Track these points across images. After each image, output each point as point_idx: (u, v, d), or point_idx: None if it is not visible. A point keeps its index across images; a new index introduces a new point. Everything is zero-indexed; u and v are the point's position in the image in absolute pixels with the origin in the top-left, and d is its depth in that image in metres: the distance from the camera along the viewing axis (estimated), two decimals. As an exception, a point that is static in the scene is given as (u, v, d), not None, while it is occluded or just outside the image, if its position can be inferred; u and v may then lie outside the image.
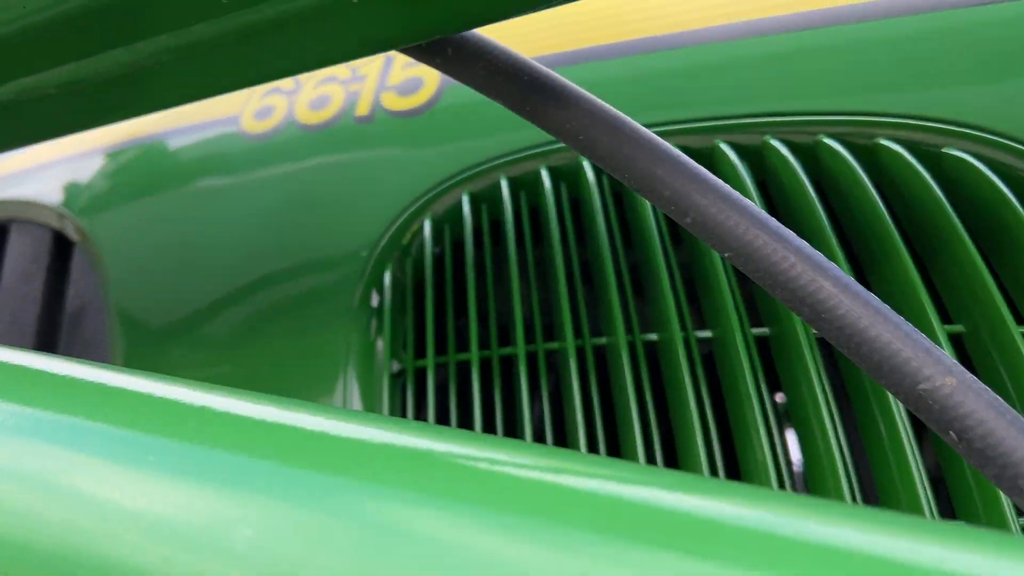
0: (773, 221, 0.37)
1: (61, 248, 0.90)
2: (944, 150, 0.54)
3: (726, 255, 0.38)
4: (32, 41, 0.39)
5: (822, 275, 0.36)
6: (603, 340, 0.61)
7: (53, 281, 0.89)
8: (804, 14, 0.60)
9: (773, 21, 0.60)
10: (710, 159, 0.60)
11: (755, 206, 0.38)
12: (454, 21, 0.38)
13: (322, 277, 0.69)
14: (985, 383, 0.36)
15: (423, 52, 0.44)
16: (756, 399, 0.53)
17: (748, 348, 0.55)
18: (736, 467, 0.55)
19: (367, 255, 0.68)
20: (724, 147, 0.60)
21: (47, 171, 0.92)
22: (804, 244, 0.37)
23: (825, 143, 0.58)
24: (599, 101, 0.41)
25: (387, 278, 0.67)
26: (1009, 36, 0.54)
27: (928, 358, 0.34)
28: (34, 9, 0.37)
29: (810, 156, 0.59)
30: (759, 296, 0.59)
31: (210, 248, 0.75)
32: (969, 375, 0.34)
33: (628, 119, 0.40)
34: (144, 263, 0.78)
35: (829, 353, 0.56)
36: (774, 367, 0.57)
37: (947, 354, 0.34)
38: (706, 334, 0.58)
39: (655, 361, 0.61)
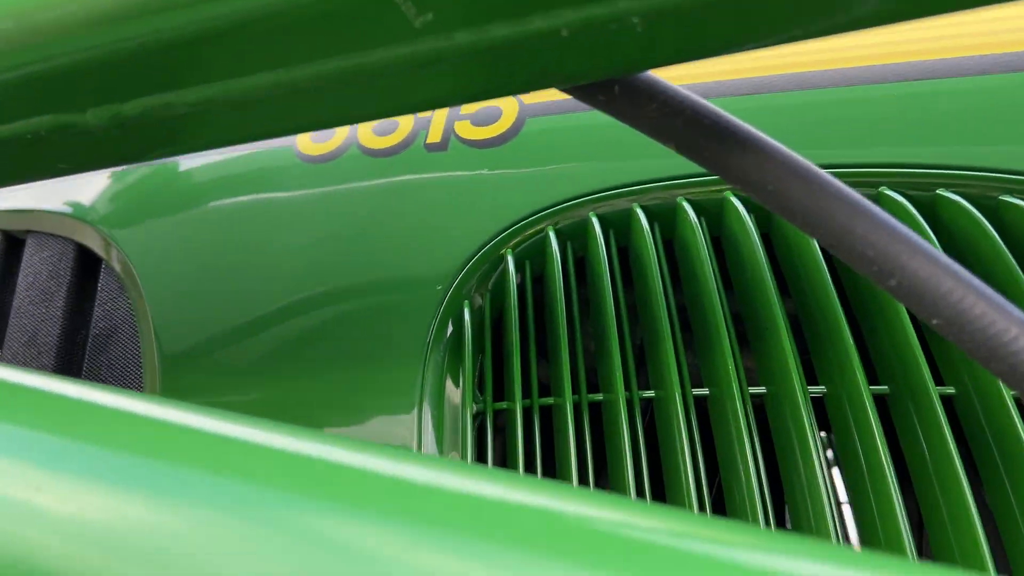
0: (990, 289, 0.35)
1: (84, 264, 0.84)
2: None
3: (934, 323, 0.36)
4: (173, 58, 0.35)
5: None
6: (705, 391, 0.58)
7: (75, 300, 0.83)
8: (927, 63, 0.58)
9: (892, 68, 0.59)
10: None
11: (968, 272, 0.35)
12: (651, 59, 0.35)
13: (392, 311, 0.65)
14: None
15: (586, 90, 0.41)
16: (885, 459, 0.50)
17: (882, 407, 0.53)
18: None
19: (442, 288, 0.64)
20: (891, 194, 0.58)
21: (71, 181, 0.87)
22: (1005, 301, 0.35)
23: (945, 196, 0.56)
24: (790, 151, 0.38)
25: (466, 315, 0.64)
26: None
27: None
28: (190, 20, 0.33)
29: (927, 209, 0.57)
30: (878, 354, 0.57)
31: (264, 274, 0.71)
32: None
33: (823, 172, 0.38)
34: (188, 286, 0.73)
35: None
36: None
37: None
38: (819, 389, 0.56)
39: (762, 412, 0.58)
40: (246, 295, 0.71)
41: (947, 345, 0.55)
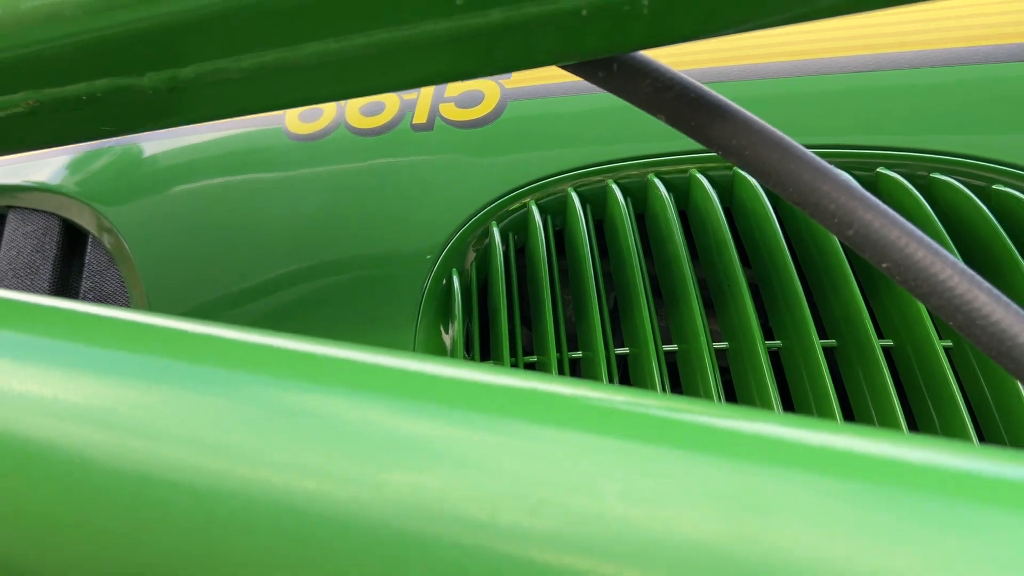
0: (928, 238, 0.42)
1: (70, 239, 0.86)
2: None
3: (884, 266, 0.43)
4: (233, 27, 0.40)
5: (977, 286, 0.41)
6: (675, 347, 0.65)
7: (62, 273, 0.85)
8: (875, 56, 0.66)
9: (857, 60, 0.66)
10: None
11: (910, 224, 0.43)
12: (655, 38, 0.41)
13: (385, 279, 0.70)
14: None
15: (586, 67, 0.47)
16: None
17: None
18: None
19: (432, 258, 0.70)
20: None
21: (50, 157, 0.89)
22: (957, 260, 0.42)
23: (885, 174, 0.64)
24: (763, 121, 0.45)
25: (455, 282, 0.69)
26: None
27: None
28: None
29: (870, 186, 0.65)
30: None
31: (257, 245, 0.75)
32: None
33: (791, 139, 0.44)
34: (181, 259, 0.77)
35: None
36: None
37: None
38: (776, 344, 0.63)
39: (726, 367, 0.65)
40: (239, 266, 0.74)
41: (885, 304, 0.63)
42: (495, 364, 0.66)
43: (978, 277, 0.41)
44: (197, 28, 0.40)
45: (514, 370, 0.32)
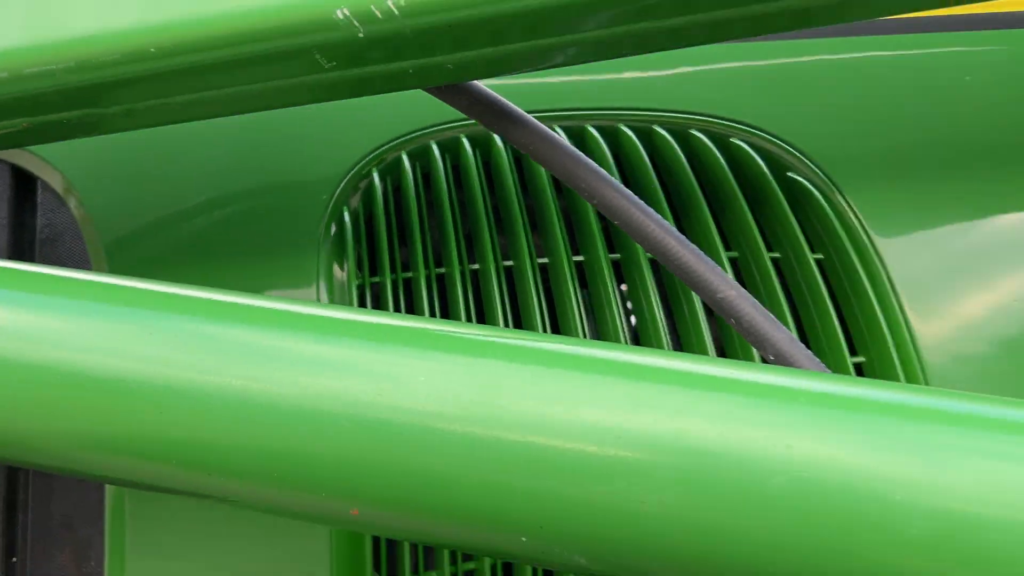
0: (640, 201, 0.66)
1: (19, 183, 1.02)
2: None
3: (616, 222, 0.66)
4: (173, 81, 0.59)
5: (668, 234, 0.65)
6: (510, 263, 0.88)
7: (16, 212, 1.02)
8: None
9: None
10: (615, 137, 0.89)
11: (630, 192, 0.66)
12: (461, 79, 0.62)
13: (291, 212, 0.90)
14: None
15: (428, 88, 0.67)
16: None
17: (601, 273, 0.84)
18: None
19: (327, 196, 0.90)
20: (625, 129, 0.88)
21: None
22: (653, 211, 0.66)
23: (694, 134, 0.87)
24: (541, 124, 0.67)
25: (346, 216, 0.90)
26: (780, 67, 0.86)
27: (722, 279, 0.64)
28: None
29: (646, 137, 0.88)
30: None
31: (184, 185, 0.93)
32: (742, 289, 0.65)
33: (559, 137, 0.67)
34: (121, 193, 0.95)
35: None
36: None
37: (731, 278, 0.65)
38: (580, 259, 0.87)
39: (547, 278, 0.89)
40: (172, 202, 0.93)
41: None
42: (379, 280, 0.89)
43: (673, 228, 0.66)
44: (148, 81, 0.59)
45: (382, 312, 0.54)
